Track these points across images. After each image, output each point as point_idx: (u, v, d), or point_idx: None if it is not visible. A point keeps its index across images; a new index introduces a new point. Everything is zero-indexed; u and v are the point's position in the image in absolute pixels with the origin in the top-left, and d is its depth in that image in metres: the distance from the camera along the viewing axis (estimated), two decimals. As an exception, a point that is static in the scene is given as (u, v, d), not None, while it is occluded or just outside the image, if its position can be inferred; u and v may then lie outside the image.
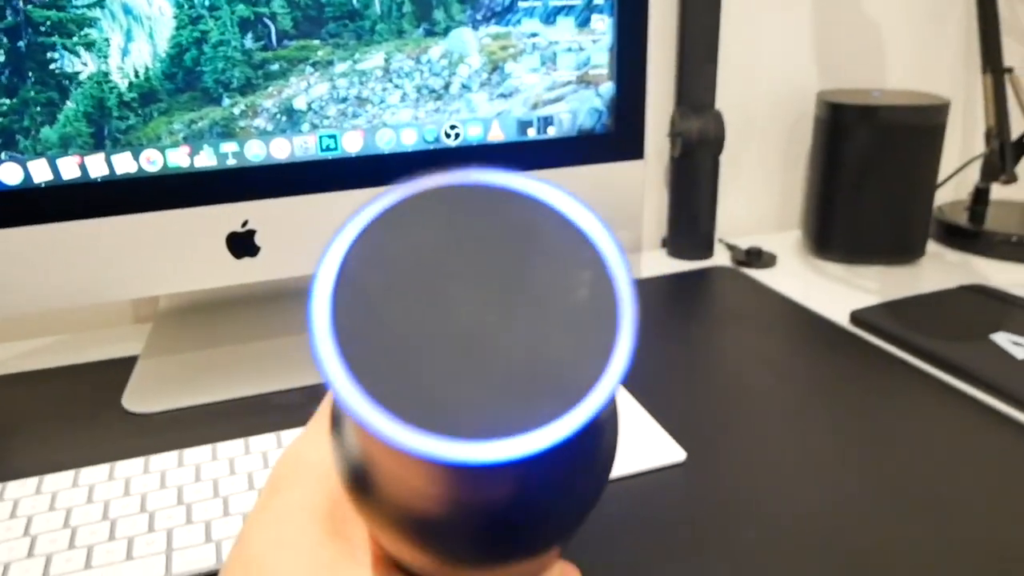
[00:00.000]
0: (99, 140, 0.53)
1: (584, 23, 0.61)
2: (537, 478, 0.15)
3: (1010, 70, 0.87)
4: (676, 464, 0.49)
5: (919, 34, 0.97)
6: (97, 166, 0.53)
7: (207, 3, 0.52)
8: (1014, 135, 0.86)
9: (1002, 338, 0.63)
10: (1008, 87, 0.87)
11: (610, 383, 0.13)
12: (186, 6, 0.51)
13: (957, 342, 0.63)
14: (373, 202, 0.15)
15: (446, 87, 0.59)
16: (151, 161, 0.54)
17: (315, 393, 0.58)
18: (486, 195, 0.15)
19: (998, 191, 0.99)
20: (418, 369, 0.13)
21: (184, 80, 0.53)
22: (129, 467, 0.47)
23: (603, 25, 0.62)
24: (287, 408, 0.57)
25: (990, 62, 0.87)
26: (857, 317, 0.69)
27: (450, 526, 0.17)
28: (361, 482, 0.18)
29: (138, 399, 0.58)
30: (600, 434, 0.18)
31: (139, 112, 0.53)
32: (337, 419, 0.19)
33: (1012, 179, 0.87)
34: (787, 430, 0.53)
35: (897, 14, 0.95)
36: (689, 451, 0.50)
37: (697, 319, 0.71)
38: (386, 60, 0.57)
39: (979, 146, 1.03)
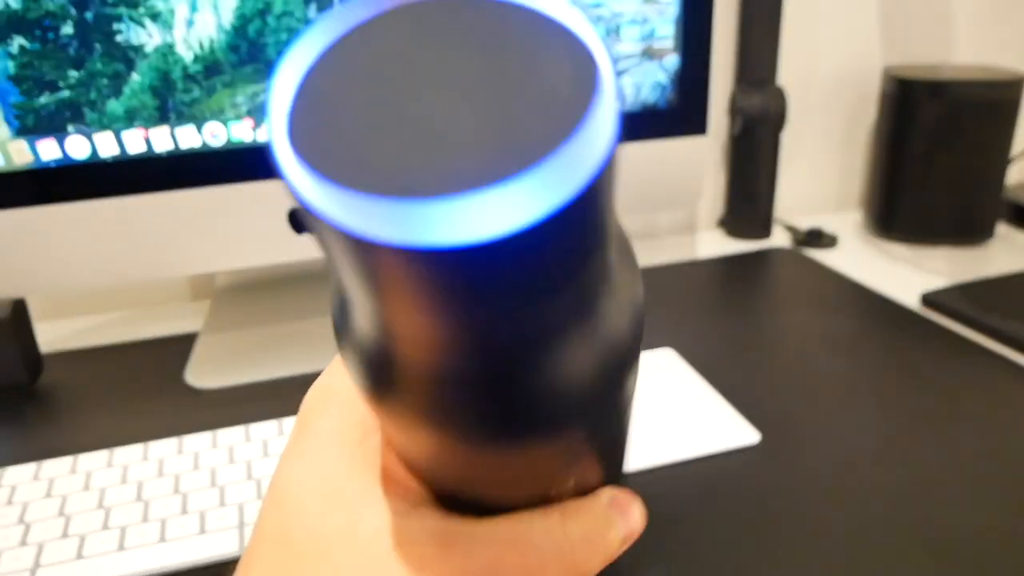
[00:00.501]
0: (164, 113, 0.52)
1: (650, -6, 0.59)
2: (535, 261, 0.13)
3: (1086, 44, 0.83)
4: (751, 446, 0.48)
5: (988, 5, 0.94)
6: (162, 140, 0.53)
7: (272, -27, 0.51)
8: (1089, 112, 0.83)
9: (1084, 321, 0.61)
10: (1084, 62, 0.84)
11: (605, 123, 0.12)
12: (251, -24, 0.51)
13: (1037, 325, 0.60)
14: (336, 15, 0.14)
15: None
16: (214, 135, 0.54)
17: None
18: (455, 6, 0.14)
19: (1069, 171, 0.96)
20: (379, 150, 0.12)
21: (248, 52, 0.52)
22: (197, 441, 0.47)
23: (670, -4, 0.60)
24: (348, 385, 0.56)
25: (1065, 36, 0.83)
26: (930, 299, 0.66)
27: (456, 379, 0.16)
28: (371, 366, 0.17)
29: (201, 375, 0.58)
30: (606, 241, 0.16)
31: (203, 84, 0.52)
32: (339, 321, 0.19)
33: (1086, 158, 0.84)
34: (862, 412, 0.51)
35: (966, -13, 0.92)
36: (763, 433, 0.49)
37: (761, 301, 0.69)
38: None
39: (1049, 124, 1.00)
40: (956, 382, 0.55)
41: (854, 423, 0.50)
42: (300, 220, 0.57)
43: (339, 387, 0.23)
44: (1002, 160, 0.80)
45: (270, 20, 0.52)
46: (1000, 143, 0.79)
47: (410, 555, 0.20)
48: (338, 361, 0.24)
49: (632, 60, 0.61)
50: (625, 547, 0.24)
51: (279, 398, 0.55)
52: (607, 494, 0.24)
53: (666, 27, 0.61)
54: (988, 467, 0.46)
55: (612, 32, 0.59)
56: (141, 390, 0.57)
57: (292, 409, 0.52)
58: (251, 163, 0.55)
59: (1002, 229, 0.86)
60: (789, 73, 0.87)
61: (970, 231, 0.81)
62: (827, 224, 0.88)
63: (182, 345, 0.63)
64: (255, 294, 0.70)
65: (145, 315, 0.70)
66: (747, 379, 0.55)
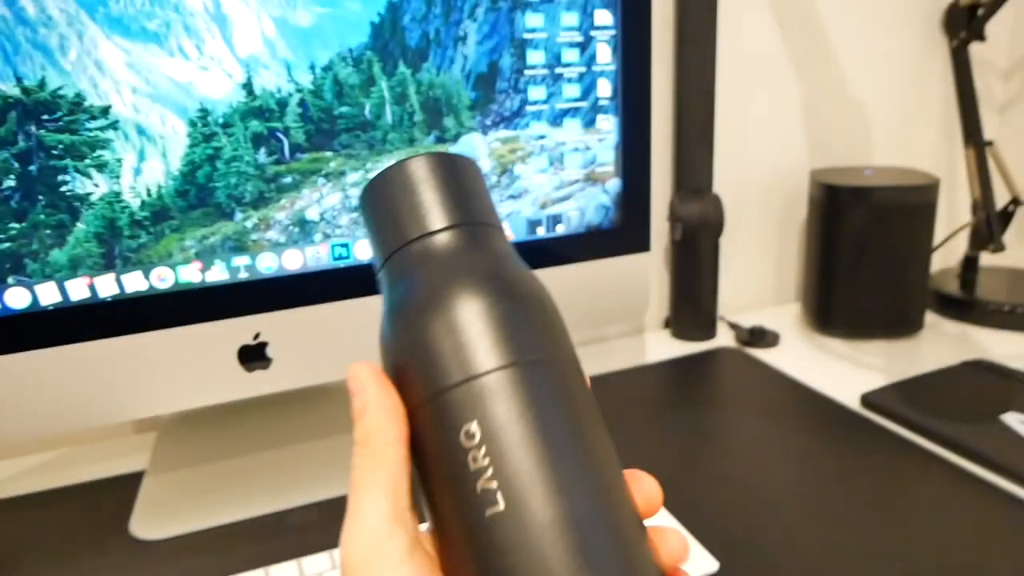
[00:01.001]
0: (110, 260, 0.51)
1: (590, 123, 0.62)
2: None
3: (990, 143, 0.89)
4: (710, 575, 0.48)
5: (902, 111, 1.00)
6: (107, 286, 0.52)
7: (221, 120, 0.51)
8: (998, 205, 0.88)
9: (1012, 418, 0.63)
10: (990, 159, 0.90)
11: None
12: (200, 124, 0.51)
13: (968, 424, 0.63)
14: None
15: (456, 190, 0.59)
16: (162, 279, 0.53)
17: (333, 508, 0.57)
18: None
19: (986, 259, 1.01)
20: None
21: (197, 196, 0.52)
22: (148, 607, 0.45)
23: (608, 124, 0.62)
24: (304, 527, 0.55)
25: (971, 136, 0.89)
26: (868, 400, 0.69)
27: None
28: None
29: (147, 524, 0.56)
30: None
31: (151, 230, 0.52)
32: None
33: (1000, 248, 0.89)
34: (813, 525, 0.52)
35: (881, 93, 0.98)
36: (721, 559, 0.49)
37: (708, 405, 0.70)
38: (397, 167, 0.57)
39: (964, 215, 1.06)
40: (897, 485, 0.56)
41: (808, 536, 0.51)
42: (250, 356, 0.56)
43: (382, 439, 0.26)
44: (926, 256, 0.85)
45: (219, 165, 0.52)
46: (923, 241, 0.84)
47: None
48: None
49: (576, 186, 0.63)
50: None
51: (231, 548, 0.53)
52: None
53: (607, 153, 0.63)
54: (924, 567, 0.47)
55: (556, 160, 0.61)
56: (82, 544, 0.54)
57: (245, 562, 0.51)
58: (198, 304, 0.54)
59: (930, 317, 0.90)
60: (724, 180, 0.91)
61: (902, 323, 0.85)
62: (768, 319, 0.91)
63: (126, 487, 0.61)
64: (203, 426, 0.68)
65: (85, 453, 0.68)
66: (701, 500, 0.56)
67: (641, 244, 0.66)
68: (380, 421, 0.25)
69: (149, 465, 0.63)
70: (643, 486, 0.26)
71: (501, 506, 0.24)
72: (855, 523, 0.53)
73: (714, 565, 0.49)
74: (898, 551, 0.50)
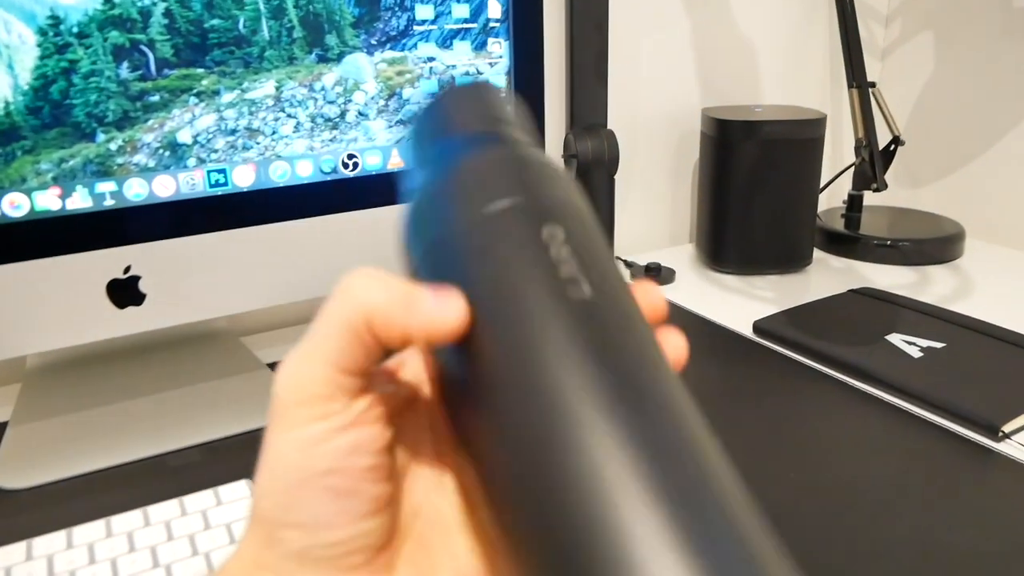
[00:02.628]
0: (-48, 185, 0.47)
1: (481, 47, 0.60)
2: None
3: (873, 84, 0.92)
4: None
5: (789, 52, 1.02)
6: (-49, 214, 0.47)
7: (75, 29, 0.47)
8: (881, 146, 0.91)
9: (896, 339, 0.66)
10: (873, 101, 0.92)
11: None
12: (51, 33, 0.47)
13: (856, 345, 0.65)
14: None
15: (342, 115, 0.56)
16: (15, 205, 0.49)
17: (215, 450, 0.54)
18: None
19: (869, 197, 1.05)
20: None
21: (51, 115, 0.48)
22: (9, 554, 0.42)
23: (500, 48, 0.61)
24: (186, 469, 0.52)
25: (856, 77, 0.91)
26: (759, 327, 0.70)
27: None
28: None
29: (11, 473, 0.52)
30: None
31: (0, 151, 0.47)
32: None
33: (883, 187, 0.92)
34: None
35: (768, 34, 0.99)
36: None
37: (607, 339, 0.70)
38: (277, 88, 0.54)
39: (848, 156, 1.09)
40: (792, 405, 0.58)
41: (706, 458, 0.52)
42: (121, 291, 0.52)
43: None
44: (812, 192, 0.87)
45: (76, 79, 0.48)
46: (810, 175, 0.86)
47: None
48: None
49: (467, 111, 0.61)
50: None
51: (106, 492, 0.49)
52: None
53: (498, 79, 0.61)
54: (819, 478, 0.48)
55: (446, 85, 0.59)
56: (-62, 498, 0.49)
57: (123, 504, 0.47)
58: (59, 234, 0.50)
59: (818, 255, 0.93)
60: (616, 118, 0.91)
61: (791, 258, 0.87)
62: (663, 259, 0.92)
63: (-12, 439, 0.56)
64: (73, 373, 0.64)
65: (-59, 407, 0.62)
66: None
67: (536, 174, 0.65)
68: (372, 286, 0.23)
69: (12, 415, 0.58)
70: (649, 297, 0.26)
71: (587, 292, 0.22)
72: (750, 437, 0.54)
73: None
74: (793, 461, 0.51)
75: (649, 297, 0.25)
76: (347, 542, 0.23)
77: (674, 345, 0.26)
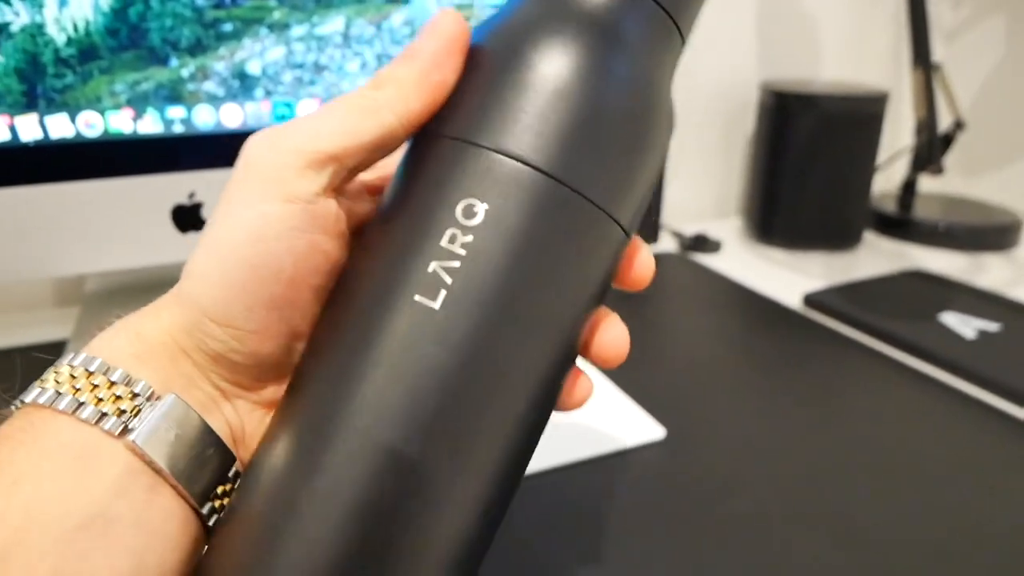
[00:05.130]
0: (32, 99, 0.48)
1: None
2: None
3: (937, 66, 0.90)
4: (657, 441, 0.48)
5: (852, 28, 1.00)
6: (29, 128, 0.48)
7: (156, -47, 0.48)
8: (941, 128, 0.90)
9: (949, 318, 0.65)
10: (936, 82, 0.91)
11: None
12: (133, -45, 0.47)
13: (908, 322, 0.64)
14: None
15: (407, 57, 0.57)
16: (90, 124, 0.50)
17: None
18: None
19: (923, 184, 1.03)
20: None
21: (128, 37, 0.49)
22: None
23: None
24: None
25: (920, 57, 0.90)
26: (811, 299, 0.69)
27: None
28: None
29: (71, 385, 0.53)
30: None
31: (77, 70, 0.48)
32: None
33: (939, 171, 0.91)
34: (757, 406, 0.53)
35: (832, 7, 0.97)
36: (668, 428, 0.49)
37: (654, 304, 0.70)
38: (346, 26, 0.54)
39: (905, 138, 1.07)
40: (841, 378, 0.58)
41: (750, 417, 0.52)
42: (185, 217, 0.53)
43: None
44: (868, 171, 0.86)
45: (153, 3, 0.49)
46: (867, 154, 0.84)
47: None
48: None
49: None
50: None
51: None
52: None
53: (564, 30, 0.61)
54: (869, 454, 0.48)
55: None
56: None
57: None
58: (129, 156, 0.51)
59: (868, 236, 0.92)
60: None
61: (841, 237, 0.86)
62: (710, 230, 0.92)
63: (48, 354, 0.58)
64: (128, 299, 0.65)
65: (2, 322, 0.64)
66: (649, 378, 0.56)
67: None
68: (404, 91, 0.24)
69: (72, 333, 0.60)
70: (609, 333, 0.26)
71: (436, 304, 0.21)
72: (799, 406, 0.54)
73: (661, 432, 0.49)
74: (840, 433, 0.51)
75: (638, 259, 0.26)
76: (270, 356, 0.23)
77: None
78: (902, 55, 1.05)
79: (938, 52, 1.04)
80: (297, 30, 0.53)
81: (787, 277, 0.78)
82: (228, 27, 0.51)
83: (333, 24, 0.54)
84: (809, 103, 0.81)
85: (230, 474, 0.24)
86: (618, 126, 0.23)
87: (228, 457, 0.24)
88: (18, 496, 0.20)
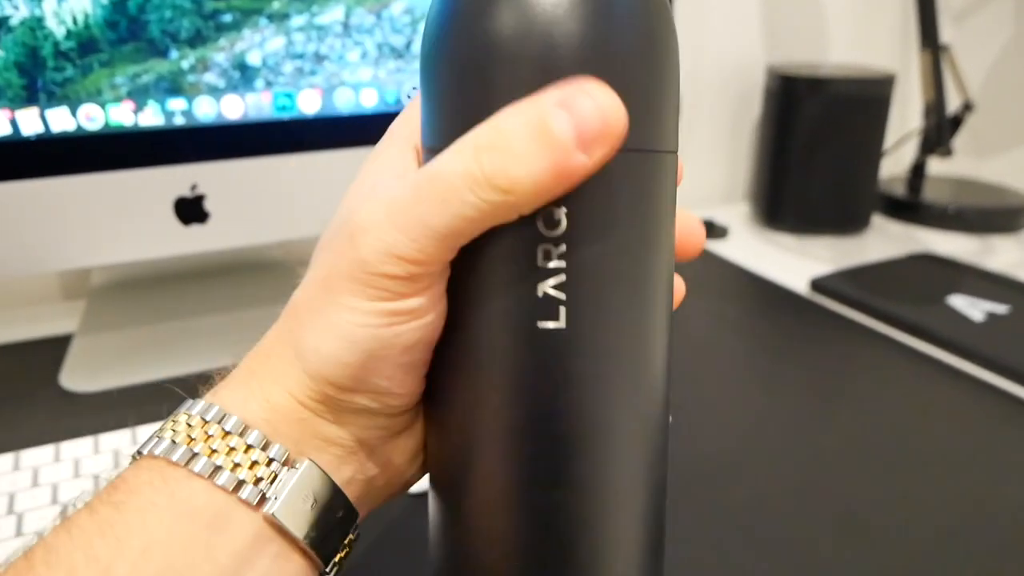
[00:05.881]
0: (32, 93, 0.48)
1: None
2: None
3: (945, 48, 0.89)
4: (661, 428, 0.48)
5: (859, 10, 0.99)
6: (30, 122, 0.48)
7: (153, -56, 0.48)
8: (950, 110, 0.89)
9: (957, 300, 0.65)
10: (944, 64, 0.89)
11: None
12: (130, -53, 0.47)
13: (916, 305, 0.64)
14: None
15: (407, 45, 0.56)
16: (91, 118, 0.50)
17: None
18: None
19: (932, 168, 1.02)
20: None
21: (128, 29, 0.49)
22: (77, 447, 0.43)
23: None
24: (244, 384, 0.53)
25: (928, 39, 0.89)
26: (818, 284, 0.69)
27: None
28: None
29: (78, 377, 0.53)
30: None
31: (77, 63, 0.48)
32: None
33: (948, 153, 0.90)
34: (763, 391, 0.53)
35: (839, -10, 0.96)
36: (673, 414, 0.49)
37: (659, 289, 0.70)
38: (345, 15, 0.54)
39: (913, 120, 1.06)
40: (845, 360, 0.57)
41: (756, 403, 0.51)
42: (187, 209, 0.53)
43: (399, 128, 0.24)
44: (876, 154, 0.85)
45: (152, -5, 0.49)
46: (874, 137, 0.84)
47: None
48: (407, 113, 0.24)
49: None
50: (597, 152, 0.19)
51: (167, 399, 0.51)
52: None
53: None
54: (876, 438, 0.48)
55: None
56: (10, 396, 0.52)
57: (183, 410, 0.49)
58: (131, 149, 0.51)
59: (877, 220, 0.91)
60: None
61: (849, 221, 0.86)
62: (717, 215, 0.91)
63: (55, 348, 0.58)
64: (134, 292, 0.66)
65: (10, 317, 0.65)
66: (652, 364, 0.56)
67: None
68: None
69: (79, 326, 0.60)
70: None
71: (561, 323, 0.20)
72: (805, 391, 0.53)
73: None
74: (845, 418, 0.51)
75: (688, 230, 0.26)
76: (409, 402, 0.24)
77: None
78: (910, 37, 1.04)
79: (946, 33, 1.03)
80: (297, 20, 0.53)
81: (795, 262, 0.78)
82: (228, 18, 0.51)
83: (333, 13, 0.53)
84: (815, 87, 0.80)
85: (352, 531, 0.24)
86: (644, 63, 0.21)
87: (353, 514, 0.24)
88: (150, 565, 0.20)
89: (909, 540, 0.39)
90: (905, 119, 1.07)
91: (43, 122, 0.49)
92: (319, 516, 0.22)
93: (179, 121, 0.52)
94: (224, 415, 0.22)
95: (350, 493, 0.24)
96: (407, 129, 0.24)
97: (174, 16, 0.49)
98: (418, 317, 0.21)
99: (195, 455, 0.21)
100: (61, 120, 0.49)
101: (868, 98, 0.81)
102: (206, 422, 0.22)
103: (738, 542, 0.39)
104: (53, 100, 0.48)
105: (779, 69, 0.84)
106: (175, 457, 0.21)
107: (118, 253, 0.53)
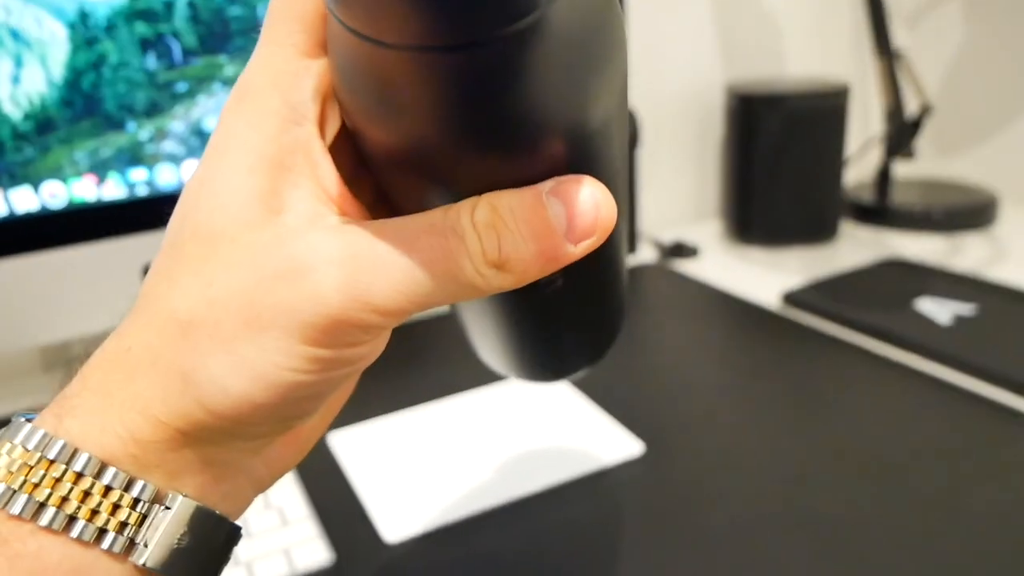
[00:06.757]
0: (-6, 176, 0.49)
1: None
2: None
3: (899, 54, 0.91)
4: (636, 458, 0.48)
5: (813, 21, 1.01)
6: (-7, 204, 0.49)
7: (103, 23, 0.49)
8: (909, 114, 0.90)
9: (926, 304, 0.65)
10: (900, 69, 0.91)
11: None
12: (81, 27, 0.48)
13: (885, 311, 0.65)
14: None
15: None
16: (54, 195, 0.51)
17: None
18: None
19: (899, 171, 1.04)
20: None
21: (83, 106, 0.50)
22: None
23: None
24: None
25: (882, 46, 0.90)
26: (790, 298, 0.70)
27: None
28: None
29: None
30: None
31: (36, 143, 0.49)
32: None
33: (911, 155, 0.91)
34: (737, 414, 0.53)
35: (791, 4, 0.98)
36: (646, 443, 0.50)
37: (633, 316, 0.71)
38: (298, 74, 0.55)
39: (875, 126, 1.08)
40: (819, 373, 0.58)
41: (731, 425, 0.52)
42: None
43: (258, 79, 0.21)
44: (838, 163, 0.86)
45: (105, 71, 0.50)
46: (834, 147, 0.85)
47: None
48: (261, 51, 0.21)
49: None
50: (583, 242, 0.19)
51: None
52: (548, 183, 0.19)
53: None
54: (859, 450, 0.48)
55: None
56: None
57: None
58: (96, 222, 0.52)
59: (847, 227, 0.92)
60: (639, 94, 0.91)
61: (818, 230, 0.87)
62: (688, 235, 0.92)
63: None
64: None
65: (-8, 394, 0.65)
66: (626, 392, 0.57)
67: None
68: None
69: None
70: None
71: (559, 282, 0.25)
72: (779, 408, 0.54)
73: (639, 447, 0.49)
74: (823, 433, 0.51)
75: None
76: (270, 432, 0.22)
77: None
78: (865, 44, 1.06)
79: (901, 37, 1.05)
80: (250, 83, 0.54)
81: (767, 276, 0.79)
82: (182, 87, 0.52)
83: (286, 74, 0.55)
84: (772, 104, 0.82)
85: (235, 545, 0.22)
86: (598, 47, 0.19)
87: (235, 534, 0.22)
88: None
89: (889, 553, 0.39)
90: (867, 124, 1.09)
91: (7, 203, 0.50)
92: (196, 551, 0.20)
93: (142, 191, 0.53)
94: (75, 452, 0.18)
95: (226, 508, 0.21)
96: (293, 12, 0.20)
97: (128, 90, 0.51)
98: (360, 360, 0.20)
99: (42, 506, 0.18)
100: (25, 200, 0.50)
101: (825, 110, 0.83)
102: (51, 462, 0.18)
103: (720, 567, 0.39)
104: (15, 181, 0.49)
105: (737, 88, 0.85)
106: (15, 510, 0.18)
107: (92, 323, 0.54)
